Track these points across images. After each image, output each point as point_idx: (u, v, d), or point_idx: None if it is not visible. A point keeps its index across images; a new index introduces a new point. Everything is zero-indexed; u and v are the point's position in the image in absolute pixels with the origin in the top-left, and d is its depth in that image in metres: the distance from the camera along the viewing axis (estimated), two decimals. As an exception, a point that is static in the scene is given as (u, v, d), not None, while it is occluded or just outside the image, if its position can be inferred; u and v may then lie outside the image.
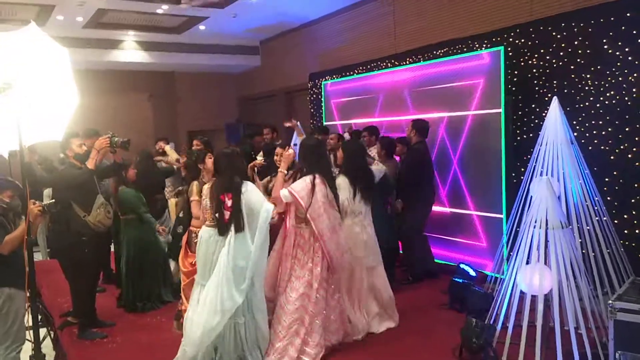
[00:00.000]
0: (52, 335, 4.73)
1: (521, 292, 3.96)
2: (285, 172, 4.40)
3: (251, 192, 3.91)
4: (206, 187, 4.10)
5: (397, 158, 6.41)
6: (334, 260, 4.20)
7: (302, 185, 4.18)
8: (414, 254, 6.23)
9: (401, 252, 6.49)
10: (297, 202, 4.14)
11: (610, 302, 3.50)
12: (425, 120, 6.24)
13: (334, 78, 8.72)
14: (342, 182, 4.65)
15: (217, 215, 3.87)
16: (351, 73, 8.36)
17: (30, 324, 3.63)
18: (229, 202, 3.86)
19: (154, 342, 4.63)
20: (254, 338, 3.99)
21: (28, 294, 3.69)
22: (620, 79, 4.99)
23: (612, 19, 5.05)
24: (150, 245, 5.52)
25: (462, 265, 5.74)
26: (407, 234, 6.23)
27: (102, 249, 5.23)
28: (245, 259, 3.81)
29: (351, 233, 4.64)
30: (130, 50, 10.23)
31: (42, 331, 4.50)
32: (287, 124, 7.24)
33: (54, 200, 3.82)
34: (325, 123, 8.58)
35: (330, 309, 4.25)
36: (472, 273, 5.55)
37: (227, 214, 3.85)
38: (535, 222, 3.92)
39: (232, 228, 3.81)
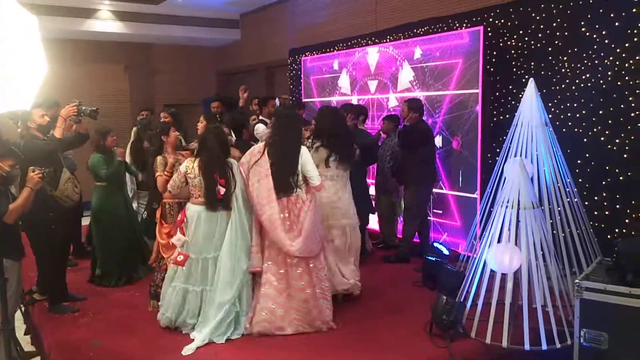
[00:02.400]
0: (22, 309, 4.69)
1: (491, 270, 4.03)
2: None
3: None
4: (190, 165, 4.20)
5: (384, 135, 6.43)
6: (268, 233, 4.23)
7: (247, 153, 4.38)
8: (404, 236, 6.25)
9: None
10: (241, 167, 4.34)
11: (577, 281, 3.58)
12: (419, 99, 6.23)
13: (313, 54, 8.64)
14: (318, 147, 4.79)
15: (209, 192, 4.09)
16: (331, 50, 8.28)
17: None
18: (221, 181, 4.12)
19: (127, 316, 4.62)
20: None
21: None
22: (596, 62, 5.03)
23: (590, 1, 5.05)
24: (121, 216, 5.48)
25: (435, 244, 5.82)
26: (404, 214, 6.28)
27: (71, 224, 5.15)
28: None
29: (324, 199, 4.71)
30: (106, 20, 9.96)
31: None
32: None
33: (52, 168, 3.80)
34: (304, 100, 8.58)
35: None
36: (446, 252, 5.63)
37: (221, 191, 4.09)
38: (507, 202, 3.98)
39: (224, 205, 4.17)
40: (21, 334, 4.54)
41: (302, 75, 8.87)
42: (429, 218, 6.35)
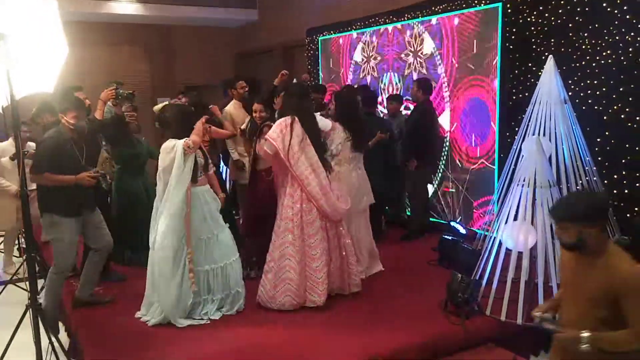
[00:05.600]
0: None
1: (507, 249, 4.05)
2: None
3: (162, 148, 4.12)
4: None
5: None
6: (317, 201, 4.26)
7: (274, 129, 4.29)
8: (413, 212, 6.36)
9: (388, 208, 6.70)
10: (274, 146, 4.24)
11: (593, 259, 3.57)
12: (428, 79, 6.32)
13: (331, 33, 8.61)
14: (337, 127, 4.82)
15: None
16: (349, 29, 8.24)
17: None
18: None
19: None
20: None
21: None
22: (617, 38, 4.93)
23: (611, -25, 4.95)
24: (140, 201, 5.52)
25: (452, 223, 5.83)
26: (410, 191, 6.37)
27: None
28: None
29: (341, 179, 4.81)
30: (125, 3, 10.04)
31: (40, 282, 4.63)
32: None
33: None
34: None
35: (311, 256, 4.30)
36: (463, 231, 5.65)
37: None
38: (524, 180, 3.98)
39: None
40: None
41: (320, 55, 8.85)
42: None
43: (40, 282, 4.47)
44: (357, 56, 7.93)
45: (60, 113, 4.14)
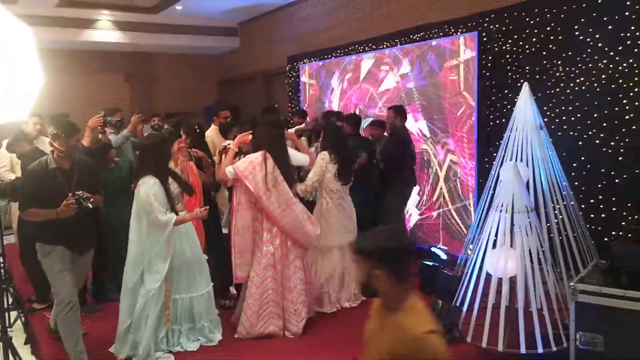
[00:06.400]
0: (22, 318, 4.71)
1: (487, 274, 4.04)
2: (236, 150, 4.43)
3: (140, 185, 3.95)
4: None
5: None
6: (291, 235, 4.31)
7: (245, 164, 4.24)
8: None
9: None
10: (241, 180, 4.22)
11: (571, 284, 3.58)
12: (402, 105, 6.37)
13: (311, 61, 8.69)
14: (325, 157, 4.81)
15: None
16: (329, 56, 8.33)
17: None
18: None
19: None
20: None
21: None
22: (590, 65, 5.05)
23: (583, 5, 5.08)
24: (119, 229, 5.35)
25: (433, 249, 5.83)
26: (385, 216, 6.34)
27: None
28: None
29: (327, 212, 4.84)
30: (105, 30, 10.04)
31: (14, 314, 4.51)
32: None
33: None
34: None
35: (288, 287, 4.34)
36: (443, 256, 5.64)
37: None
38: (502, 206, 3.99)
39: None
40: (21, 342, 4.54)
41: (300, 82, 8.92)
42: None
43: (13, 315, 4.39)
44: (334, 82, 8.01)
45: (50, 140, 3.93)
